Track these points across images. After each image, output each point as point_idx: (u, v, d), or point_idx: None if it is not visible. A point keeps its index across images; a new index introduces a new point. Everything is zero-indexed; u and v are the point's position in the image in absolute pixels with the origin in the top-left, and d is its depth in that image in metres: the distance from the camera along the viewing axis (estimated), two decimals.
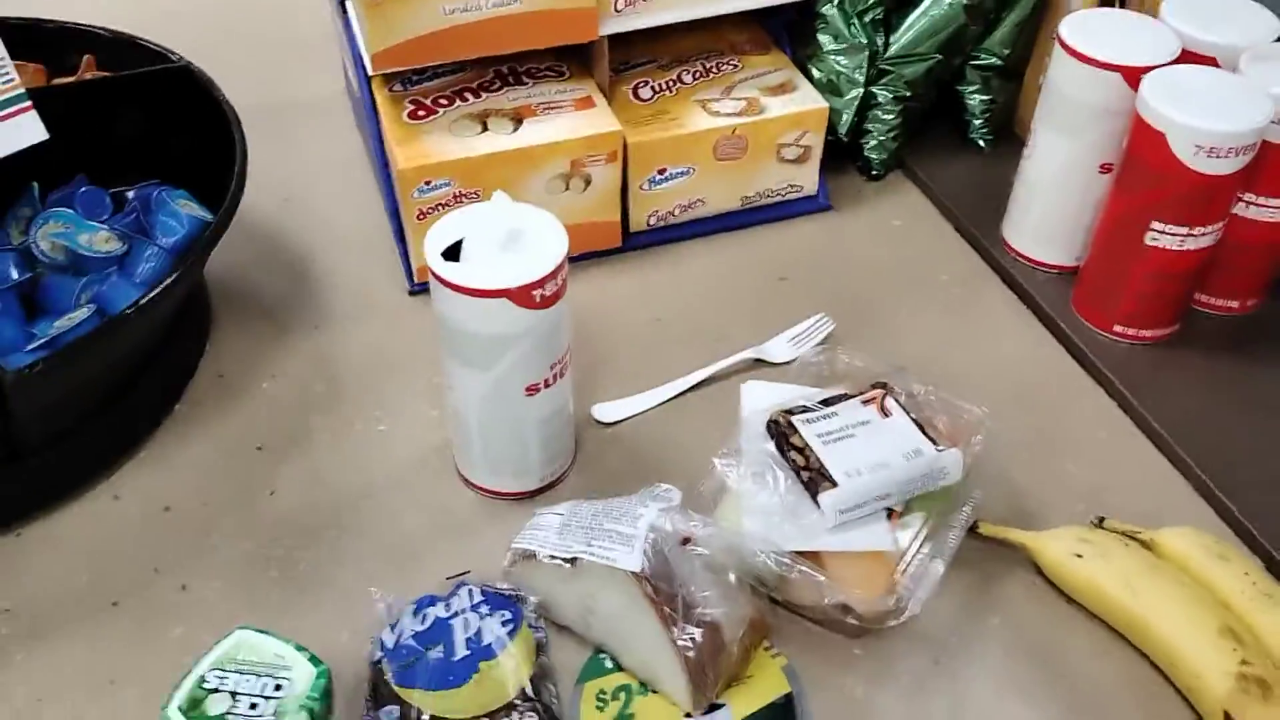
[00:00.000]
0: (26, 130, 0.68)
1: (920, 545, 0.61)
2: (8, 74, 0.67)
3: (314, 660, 0.51)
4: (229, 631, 0.53)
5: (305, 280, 0.86)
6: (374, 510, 0.69)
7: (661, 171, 0.85)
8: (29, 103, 0.68)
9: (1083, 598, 0.62)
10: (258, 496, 0.70)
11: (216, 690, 0.50)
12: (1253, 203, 0.74)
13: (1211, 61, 0.73)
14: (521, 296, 0.59)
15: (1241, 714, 0.54)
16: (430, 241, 0.61)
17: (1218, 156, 0.68)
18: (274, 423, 0.74)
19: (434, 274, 0.60)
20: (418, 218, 0.79)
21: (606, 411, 0.75)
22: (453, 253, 0.60)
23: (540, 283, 0.59)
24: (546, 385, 0.64)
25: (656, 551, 0.58)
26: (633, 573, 0.57)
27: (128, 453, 0.71)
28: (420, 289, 0.84)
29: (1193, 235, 0.71)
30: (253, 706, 0.50)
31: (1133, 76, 0.72)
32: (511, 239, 0.60)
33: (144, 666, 0.60)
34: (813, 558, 0.60)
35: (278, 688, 0.50)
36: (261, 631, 0.53)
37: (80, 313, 0.65)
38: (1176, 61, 0.73)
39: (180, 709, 0.49)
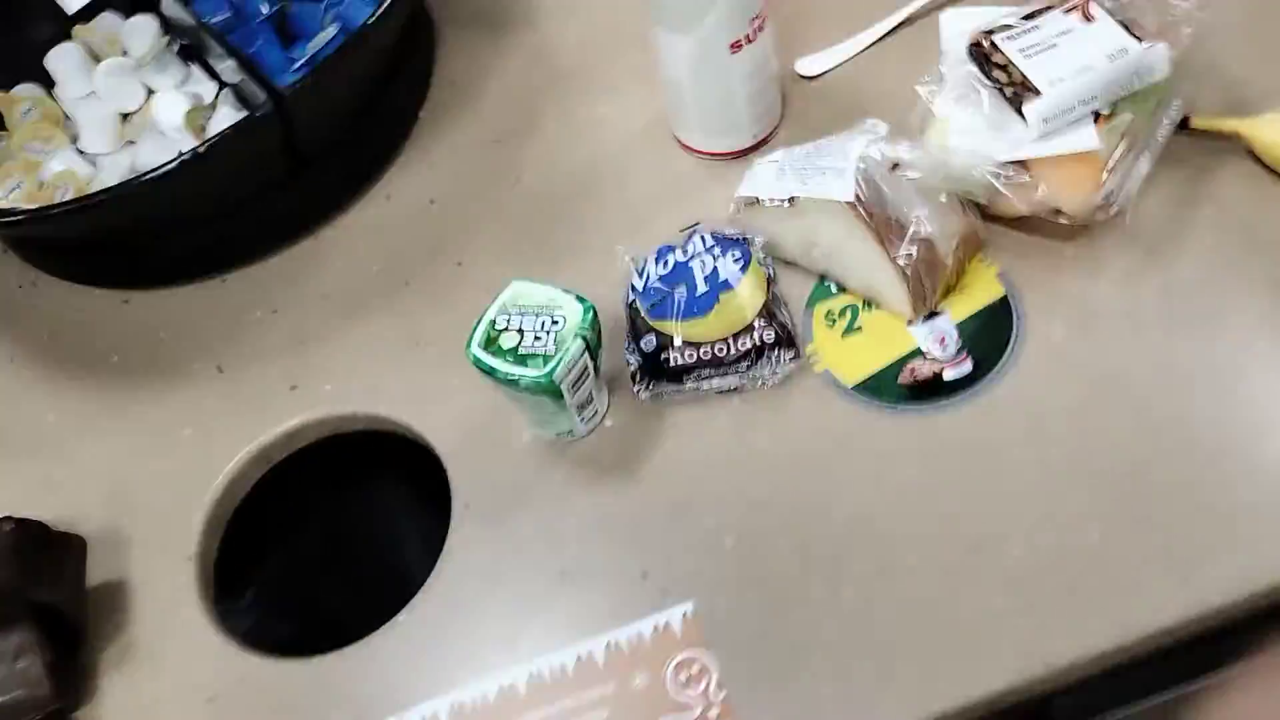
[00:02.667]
0: None
1: (1129, 143, 0.63)
2: None
3: (580, 299, 0.60)
4: (506, 282, 0.62)
5: None
6: (606, 182, 0.76)
7: None
8: None
9: None
10: (504, 182, 0.78)
11: (505, 329, 0.60)
12: None
13: None
14: None
15: None
16: None
17: None
18: (507, 117, 0.82)
19: None
20: None
21: (809, 65, 0.78)
22: None
23: None
24: (748, 40, 0.68)
25: (868, 179, 0.63)
26: (847, 202, 0.63)
27: (389, 159, 0.81)
28: None
29: None
30: (536, 338, 0.60)
31: None
32: None
33: (440, 329, 0.71)
34: (1020, 167, 0.63)
35: (554, 322, 0.60)
36: (533, 280, 0.62)
37: (328, 31, 0.73)
38: None
39: (480, 345, 0.60)
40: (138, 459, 0.70)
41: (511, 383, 0.59)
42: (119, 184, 0.63)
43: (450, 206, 0.78)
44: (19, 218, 0.67)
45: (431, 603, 0.61)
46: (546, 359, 0.59)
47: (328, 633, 0.66)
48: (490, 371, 0.59)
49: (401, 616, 0.61)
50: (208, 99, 0.75)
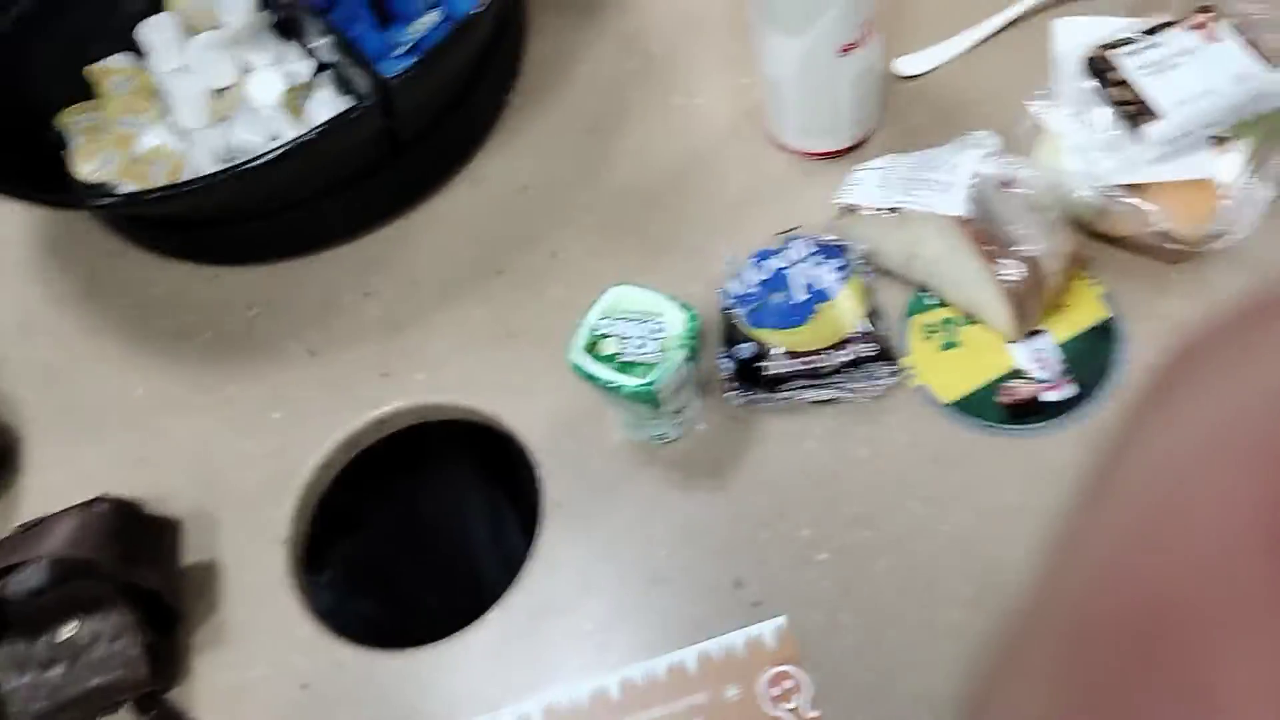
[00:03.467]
0: None
1: (1248, 170, 0.62)
2: None
3: (684, 306, 0.60)
4: (606, 288, 0.62)
5: None
6: (699, 176, 0.76)
7: None
8: None
9: None
10: (599, 172, 0.78)
11: (607, 335, 0.60)
12: None
13: None
14: None
15: None
16: None
17: None
18: (598, 103, 0.81)
19: None
20: None
21: (910, 64, 0.77)
22: None
23: None
24: (859, 44, 0.66)
25: (978, 196, 0.62)
26: (954, 216, 0.62)
27: (479, 143, 0.80)
28: None
29: None
30: (640, 346, 0.59)
31: None
32: None
33: (533, 321, 0.71)
34: (1133, 189, 0.62)
35: (657, 330, 0.60)
36: (635, 285, 0.62)
37: (431, 16, 0.72)
38: None
39: (582, 350, 0.60)
40: (227, 439, 0.71)
41: (612, 389, 0.59)
42: (226, 168, 0.63)
43: (543, 194, 0.78)
44: (116, 199, 0.67)
45: (523, 601, 0.62)
46: (649, 368, 0.59)
47: (404, 618, 0.67)
48: (591, 379, 0.59)
49: (493, 614, 0.62)
50: (304, 78, 0.74)
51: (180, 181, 0.70)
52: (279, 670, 0.62)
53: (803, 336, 0.64)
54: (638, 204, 0.75)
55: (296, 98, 0.73)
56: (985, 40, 0.77)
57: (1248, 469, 0.18)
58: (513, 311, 0.72)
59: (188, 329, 0.76)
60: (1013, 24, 0.77)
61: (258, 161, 0.62)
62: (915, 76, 0.76)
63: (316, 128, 0.62)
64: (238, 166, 0.62)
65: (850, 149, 0.74)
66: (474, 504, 0.86)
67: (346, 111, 0.63)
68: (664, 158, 0.77)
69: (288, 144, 0.63)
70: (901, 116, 0.75)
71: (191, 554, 0.66)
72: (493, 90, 0.81)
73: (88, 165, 0.74)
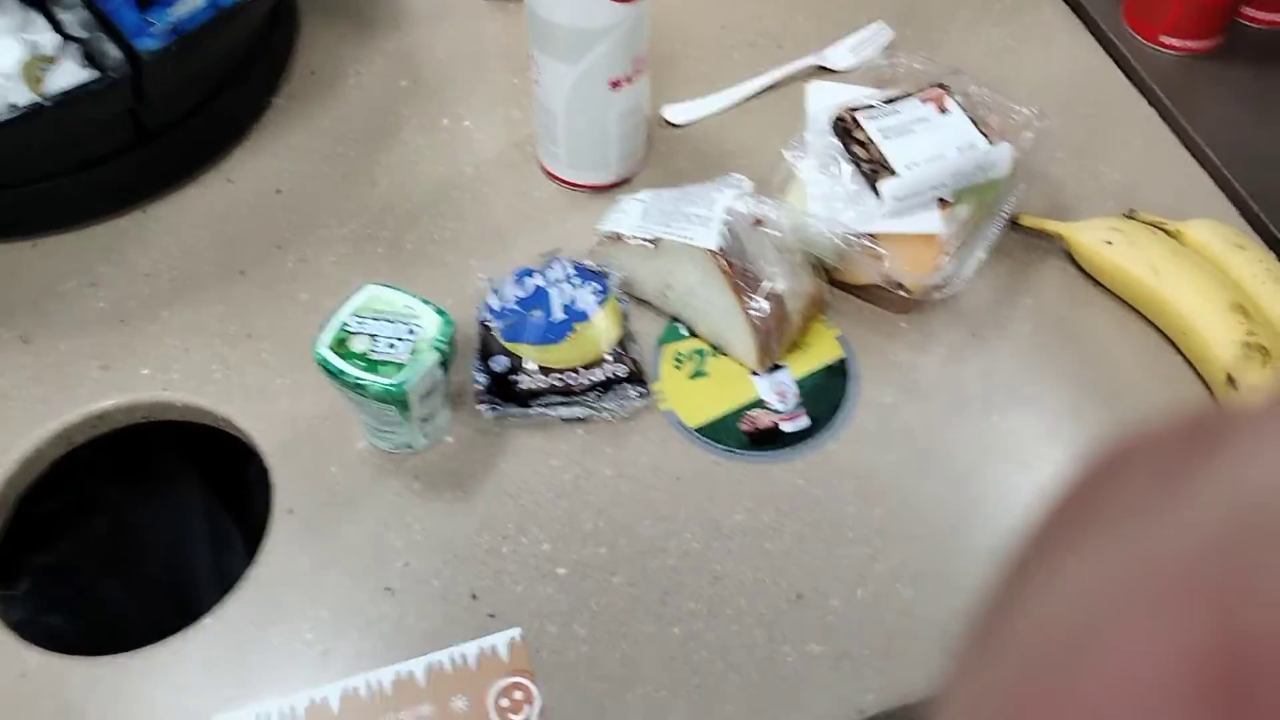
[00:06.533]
0: None
1: (967, 231, 0.68)
2: None
3: (439, 311, 0.59)
4: (360, 285, 0.60)
5: None
6: (465, 198, 0.76)
7: None
8: None
9: (1110, 280, 0.69)
10: (358, 183, 0.76)
11: (357, 333, 0.58)
12: None
13: None
14: None
15: (1242, 376, 0.62)
16: None
17: None
18: (365, 116, 0.80)
19: None
20: None
21: (677, 113, 0.80)
22: None
23: None
24: (628, 80, 0.69)
25: (731, 231, 0.65)
26: (710, 250, 0.65)
27: (235, 141, 0.77)
28: None
29: None
30: (390, 346, 0.58)
31: None
32: None
33: (275, 323, 0.68)
34: (870, 239, 0.67)
35: (410, 332, 0.58)
36: (390, 287, 0.60)
37: (195, 1, 0.69)
38: None
39: (329, 346, 0.58)
40: None
41: (359, 388, 0.57)
42: None
43: (298, 199, 0.75)
44: None
45: (241, 608, 0.58)
46: (399, 367, 0.57)
47: (109, 633, 0.61)
48: (337, 374, 0.57)
49: (207, 620, 0.58)
50: (47, 49, 0.69)
51: None
52: None
53: (558, 354, 0.64)
54: (395, 219, 0.74)
55: (37, 68, 0.68)
56: (748, 99, 0.81)
57: (1170, 613, 0.16)
58: (254, 313, 0.69)
59: None
60: (773, 87, 0.82)
61: None
62: (681, 125, 0.80)
63: (56, 94, 0.58)
64: None
65: (615, 185, 0.76)
66: (195, 514, 0.80)
67: (92, 81, 0.59)
68: (426, 177, 0.77)
69: (22, 108, 0.58)
70: (666, 160, 0.78)
71: None
72: (255, 90, 0.78)
73: None
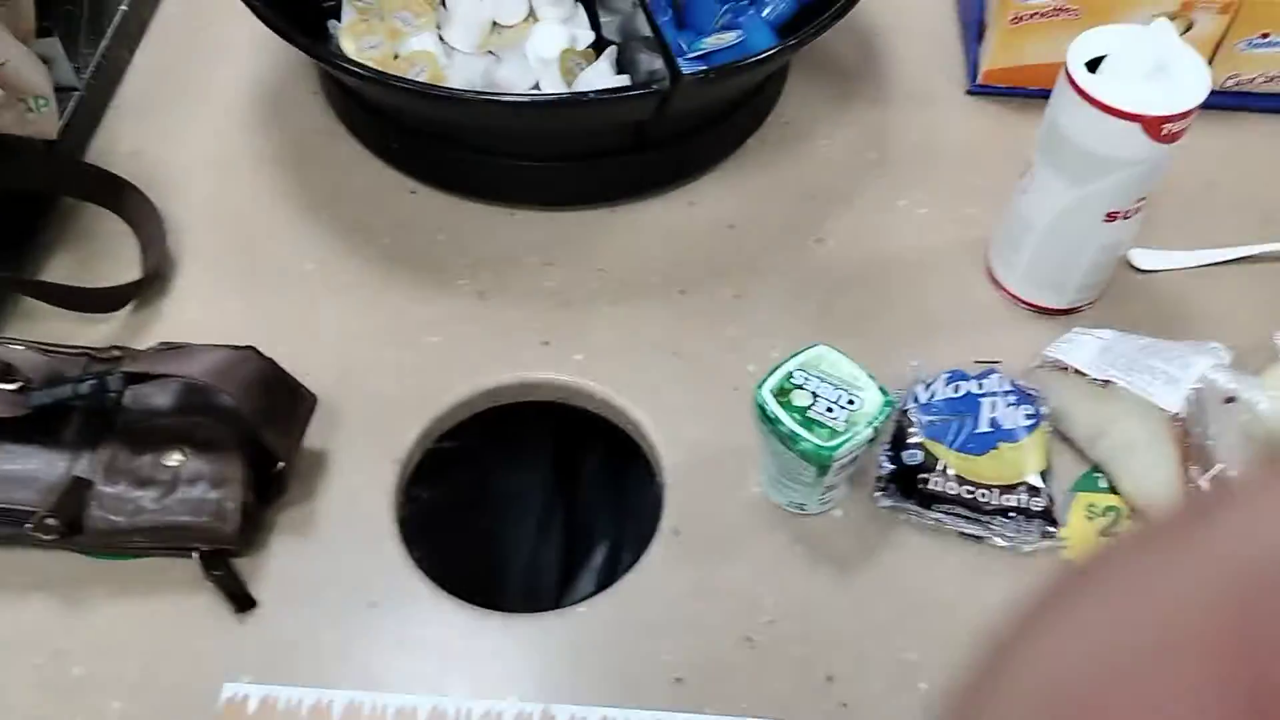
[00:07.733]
0: None
1: None
2: None
3: (883, 390, 0.59)
4: (812, 344, 0.61)
5: (871, 58, 0.90)
6: (904, 281, 0.75)
7: (1265, 35, 0.81)
8: None
9: None
10: (805, 238, 0.77)
11: (801, 388, 0.59)
12: None
13: None
14: (1152, 126, 0.61)
15: None
16: (1074, 50, 0.63)
17: None
18: (828, 177, 0.81)
19: (1071, 80, 0.62)
20: (1011, 21, 0.81)
21: (1144, 257, 0.76)
22: (1092, 65, 0.63)
23: (1175, 118, 0.60)
24: (1125, 216, 0.66)
25: (1199, 399, 0.61)
26: (1170, 412, 0.61)
27: (706, 169, 0.80)
28: (980, 90, 0.86)
29: None
30: (828, 409, 0.58)
31: None
32: (1158, 68, 0.61)
33: (701, 349, 0.70)
34: None
35: (850, 402, 0.58)
36: (840, 352, 0.60)
37: (728, 35, 0.73)
38: None
39: (772, 391, 0.59)
40: (378, 343, 0.70)
41: (789, 440, 0.58)
42: (488, 93, 0.63)
43: (747, 238, 0.77)
44: (373, 72, 0.66)
45: (614, 607, 0.60)
46: (833, 433, 0.57)
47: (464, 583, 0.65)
48: (773, 421, 0.58)
49: (581, 608, 0.60)
50: (583, 44, 0.75)
51: (439, 85, 0.70)
52: (351, 580, 0.60)
53: (979, 467, 0.62)
54: (831, 281, 0.75)
55: (570, 60, 0.74)
56: (1220, 263, 0.76)
57: (1192, 663, 0.16)
58: (684, 333, 0.71)
59: (373, 229, 0.76)
60: (1250, 258, 0.76)
61: (522, 99, 0.61)
62: (1145, 270, 0.76)
63: (599, 90, 0.62)
64: (496, 96, 0.62)
65: (1063, 312, 0.73)
66: (534, 490, 0.84)
67: (630, 87, 0.63)
68: (870, 250, 0.77)
69: (563, 94, 0.63)
70: (1121, 301, 0.74)
71: (310, 440, 0.65)
72: (735, 128, 0.81)
73: (352, 42, 0.75)
